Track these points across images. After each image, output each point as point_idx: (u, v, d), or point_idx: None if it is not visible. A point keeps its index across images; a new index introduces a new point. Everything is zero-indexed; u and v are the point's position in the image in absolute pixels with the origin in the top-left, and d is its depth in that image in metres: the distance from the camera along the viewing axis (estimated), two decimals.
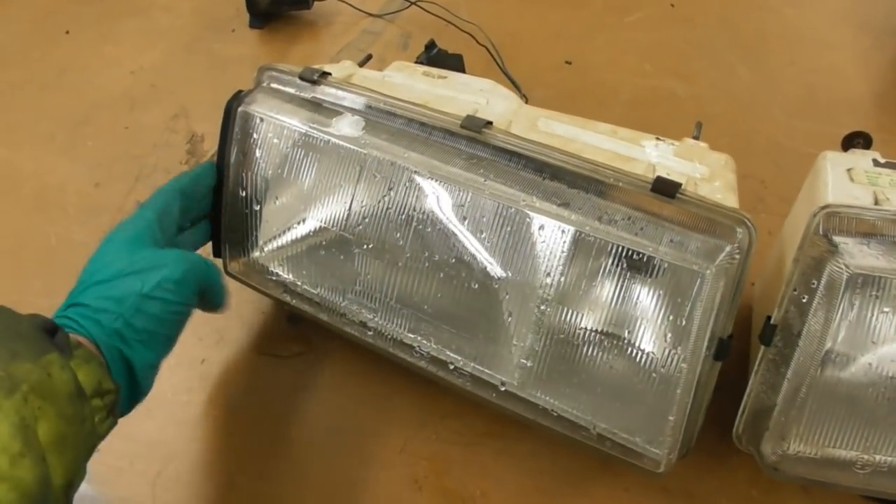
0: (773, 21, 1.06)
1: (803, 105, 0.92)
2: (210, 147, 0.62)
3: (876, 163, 0.57)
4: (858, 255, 0.47)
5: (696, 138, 0.62)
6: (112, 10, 1.09)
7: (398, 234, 0.56)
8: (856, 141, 0.66)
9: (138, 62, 0.99)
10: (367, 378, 0.63)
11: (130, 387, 0.48)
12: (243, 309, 0.68)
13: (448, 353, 0.57)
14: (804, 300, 0.48)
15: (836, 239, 0.48)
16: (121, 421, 0.59)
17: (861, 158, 0.58)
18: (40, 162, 0.85)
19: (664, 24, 1.04)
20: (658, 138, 0.61)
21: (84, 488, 0.55)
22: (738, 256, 0.47)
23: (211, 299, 0.55)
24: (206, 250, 0.63)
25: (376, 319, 0.58)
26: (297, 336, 0.67)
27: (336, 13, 1.07)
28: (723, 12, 1.07)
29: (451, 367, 0.57)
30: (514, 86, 0.90)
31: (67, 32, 1.06)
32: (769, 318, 0.50)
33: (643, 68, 0.97)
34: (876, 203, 0.52)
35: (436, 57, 0.79)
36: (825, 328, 0.48)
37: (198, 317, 0.68)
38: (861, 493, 0.54)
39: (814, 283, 0.48)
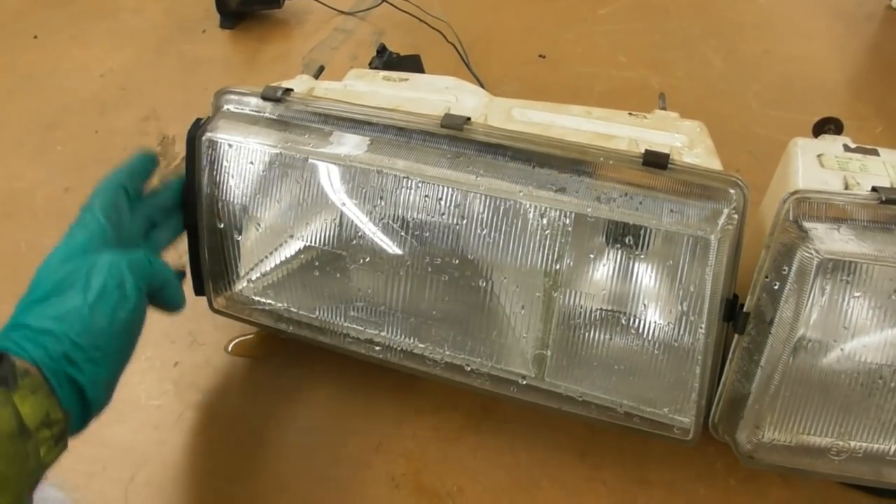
0: (748, 11, 1.06)
1: (778, 94, 0.92)
2: (182, 149, 0.61)
3: (847, 148, 0.57)
4: (829, 240, 0.47)
5: (663, 109, 0.63)
6: (81, 14, 1.08)
7: (395, 244, 0.55)
8: (827, 127, 0.66)
9: (108, 65, 0.98)
10: (342, 378, 0.62)
11: (82, 407, 0.45)
12: None
13: (463, 356, 0.56)
14: (776, 287, 0.48)
15: (807, 224, 0.48)
16: (93, 426, 0.58)
17: (832, 144, 0.58)
18: (9, 167, 0.84)
19: (638, 16, 1.04)
20: (631, 113, 0.61)
21: (56, 495, 0.54)
22: (736, 217, 0.48)
23: (166, 299, 0.52)
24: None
25: (383, 334, 0.58)
26: (271, 338, 0.66)
27: (307, 12, 1.06)
28: (697, 2, 1.07)
29: (468, 369, 0.56)
30: (479, 83, 0.90)
31: (36, 37, 1.04)
32: (740, 304, 0.50)
33: (617, 60, 0.97)
34: (846, 188, 0.52)
35: (391, 60, 0.78)
36: (797, 314, 0.47)
37: (170, 320, 0.67)
38: (838, 480, 0.54)
39: (785, 270, 0.48)
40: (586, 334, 0.54)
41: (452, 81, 0.67)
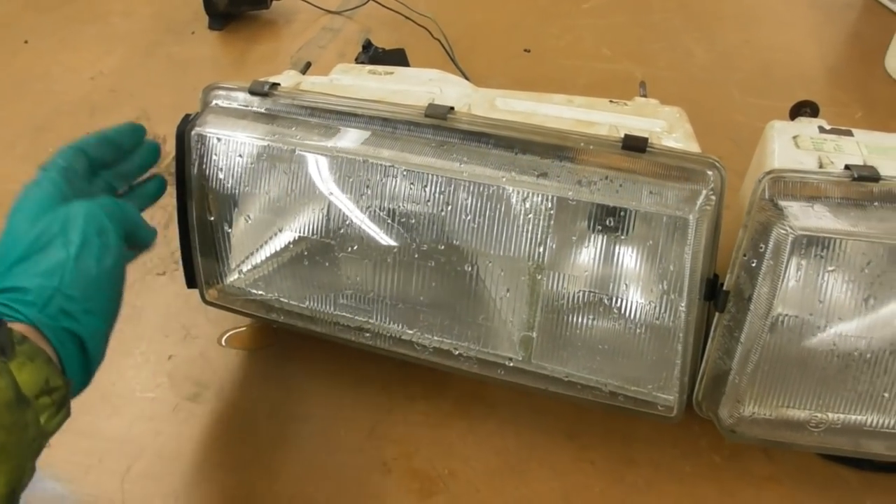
0: (729, 2, 1.08)
1: (759, 82, 0.93)
2: (172, 149, 0.62)
3: (822, 129, 0.59)
4: (803, 217, 0.48)
5: (643, 96, 0.64)
6: (71, 18, 1.09)
7: (382, 232, 0.56)
8: (803, 110, 0.68)
9: (98, 68, 0.99)
10: (334, 367, 0.64)
11: (84, 362, 0.45)
12: None
13: (450, 340, 0.58)
14: (753, 264, 0.49)
15: (782, 203, 0.49)
16: (88, 419, 0.60)
17: (807, 126, 0.59)
18: (1, 170, 0.85)
19: (621, 9, 1.06)
20: (611, 101, 0.62)
21: (53, 486, 0.55)
22: (713, 198, 0.49)
23: (139, 239, 0.52)
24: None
25: (372, 321, 0.59)
26: (264, 329, 0.67)
27: (295, 11, 1.07)
28: None
29: (457, 353, 0.58)
30: (465, 78, 0.91)
31: (26, 42, 1.05)
32: (721, 283, 0.51)
33: (601, 53, 0.98)
34: (821, 167, 0.53)
35: (376, 55, 0.79)
36: (774, 290, 0.49)
37: (165, 314, 0.68)
38: (818, 452, 0.56)
39: (762, 248, 0.49)
40: (571, 316, 0.55)
41: (436, 73, 0.68)
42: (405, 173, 0.54)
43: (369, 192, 0.56)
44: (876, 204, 0.50)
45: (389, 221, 0.56)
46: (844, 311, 0.49)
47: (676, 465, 0.57)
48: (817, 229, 0.48)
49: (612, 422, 0.59)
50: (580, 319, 0.55)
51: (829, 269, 0.48)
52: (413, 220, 0.56)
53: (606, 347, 0.55)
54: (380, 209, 0.56)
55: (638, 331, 0.54)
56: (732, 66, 0.95)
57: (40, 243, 0.45)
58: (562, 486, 0.56)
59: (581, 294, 0.55)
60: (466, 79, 0.90)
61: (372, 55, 0.79)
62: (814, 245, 0.48)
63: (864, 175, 0.49)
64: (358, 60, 0.81)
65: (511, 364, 0.56)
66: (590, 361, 0.55)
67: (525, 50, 0.98)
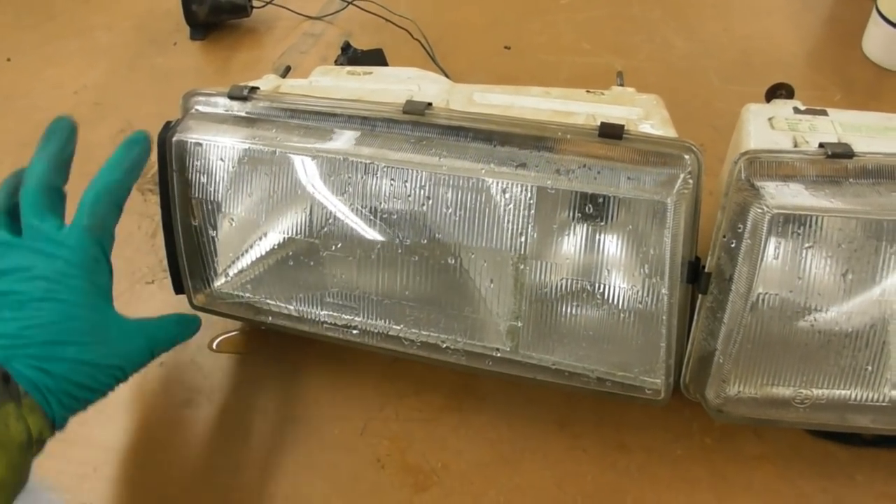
0: None
1: (738, 69, 0.94)
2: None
3: (797, 110, 0.59)
4: (779, 195, 0.49)
5: (620, 86, 0.65)
6: (53, 34, 1.09)
7: (365, 229, 0.57)
8: (779, 92, 0.68)
9: (81, 82, 0.99)
10: (325, 367, 0.64)
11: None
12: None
13: (437, 334, 0.58)
14: (733, 245, 0.50)
15: (758, 183, 0.50)
16: (82, 429, 0.60)
17: (782, 108, 0.60)
18: None
19: (599, 3, 1.06)
20: (588, 91, 0.63)
21: (48, 497, 0.55)
22: (691, 181, 0.50)
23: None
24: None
25: (359, 319, 0.59)
26: (255, 333, 0.67)
27: (276, 18, 1.07)
28: None
29: (444, 346, 0.58)
30: (446, 76, 0.91)
31: (9, 60, 1.05)
32: (702, 265, 0.51)
33: (581, 47, 0.98)
34: (796, 146, 0.54)
35: (355, 56, 0.80)
36: (753, 270, 0.49)
37: None
38: (805, 428, 0.56)
39: (740, 228, 0.50)
40: (556, 305, 0.55)
41: (415, 72, 0.69)
42: (385, 170, 0.55)
43: (351, 189, 0.56)
44: (851, 180, 0.50)
45: (372, 218, 0.57)
46: (823, 286, 0.50)
47: (668, 448, 0.57)
48: (793, 207, 0.48)
49: (603, 409, 0.59)
50: (565, 308, 0.56)
51: (807, 245, 0.49)
52: (395, 216, 0.56)
53: (592, 334, 0.55)
54: (362, 206, 0.57)
55: (622, 316, 0.54)
56: (712, 55, 0.96)
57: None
58: (554, 475, 0.56)
59: (565, 282, 0.55)
60: (447, 77, 0.91)
61: (350, 56, 0.80)
62: (790, 223, 0.48)
63: (838, 152, 0.50)
64: (337, 62, 0.81)
65: (499, 355, 0.57)
66: (577, 349, 0.56)
67: (505, 47, 0.99)
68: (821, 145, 0.51)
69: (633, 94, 0.64)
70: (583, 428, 0.59)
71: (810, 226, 0.49)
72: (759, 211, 0.48)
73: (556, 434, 0.59)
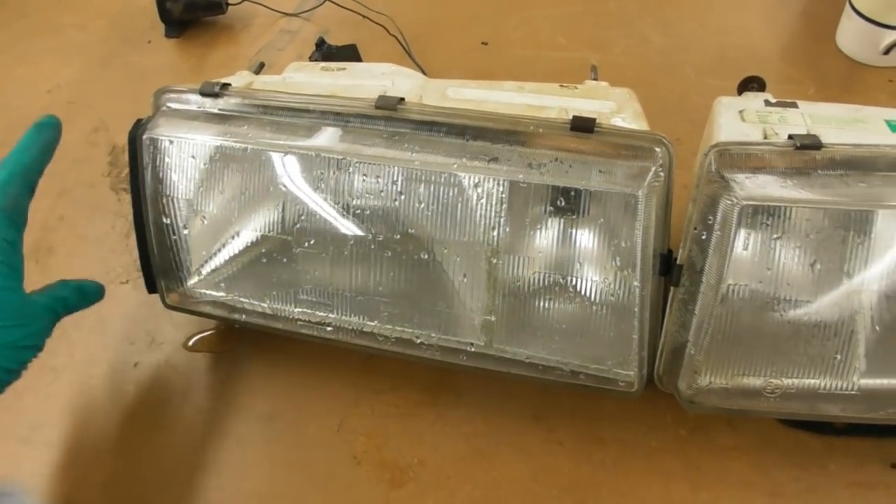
0: None
1: (714, 64, 0.94)
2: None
3: (767, 103, 0.60)
4: (749, 187, 0.49)
5: (594, 80, 0.65)
6: (25, 33, 1.08)
7: (338, 224, 0.56)
8: (750, 85, 0.69)
9: (54, 81, 0.98)
10: (299, 365, 0.64)
11: None
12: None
13: (412, 329, 0.58)
14: (703, 237, 0.50)
15: (728, 175, 0.50)
16: (56, 431, 0.60)
17: (753, 100, 0.60)
18: None
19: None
20: (562, 85, 0.63)
21: (21, 499, 0.55)
22: (662, 174, 0.50)
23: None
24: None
25: (332, 315, 0.59)
26: (229, 331, 0.67)
27: (252, 15, 1.07)
28: None
29: (418, 341, 0.58)
30: (423, 72, 0.91)
31: None
32: (674, 258, 0.52)
33: (557, 42, 0.99)
34: (766, 138, 0.54)
35: (329, 52, 0.79)
36: (724, 261, 0.49)
37: (129, 322, 0.68)
38: (777, 417, 0.57)
39: (710, 220, 0.50)
40: (530, 298, 0.56)
41: (388, 67, 0.69)
42: (358, 166, 0.55)
43: (323, 186, 0.56)
44: (819, 171, 0.51)
45: (345, 214, 0.56)
46: (792, 277, 0.50)
47: (643, 440, 0.57)
48: (762, 198, 0.49)
49: (579, 402, 0.60)
50: (539, 301, 0.56)
51: (775, 236, 0.49)
52: (368, 212, 0.56)
53: (566, 327, 0.55)
54: (335, 203, 0.56)
55: (595, 309, 0.54)
56: (688, 50, 0.96)
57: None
58: (530, 468, 0.56)
59: (538, 276, 0.55)
60: (423, 73, 0.91)
61: (325, 52, 0.80)
62: (759, 214, 0.49)
63: (807, 143, 0.50)
64: (312, 58, 0.81)
65: (473, 349, 0.57)
66: (550, 342, 0.56)
67: (483, 43, 0.99)
68: (790, 137, 0.51)
69: (607, 88, 0.64)
70: (559, 421, 0.59)
71: (779, 217, 0.49)
72: (729, 202, 0.49)
73: (533, 428, 0.59)
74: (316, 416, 0.60)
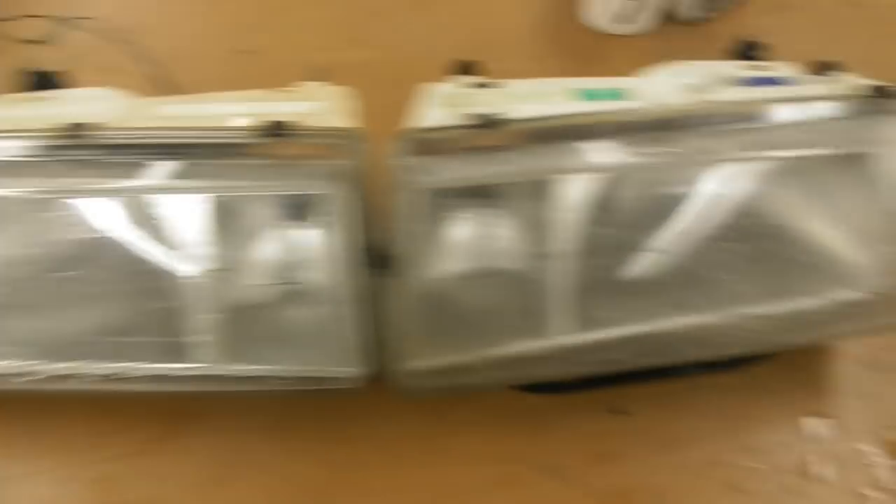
0: None
1: (472, 49, 0.96)
2: None
3: (473, 85, 0.61)
4: (434, 171, 0.50)
5: (316, 81, 0.65)
6: None
7: (39, 268, 0.53)
8: (461, 70, 0.70)
9: None
10: (17, 420, 0.59)
11: None
12: None
13: (124, 364, 0.54)
14: (404, 225, 0.50)
15: (415, 161, 0.50)
16: None
17: (452, 85, 0.61)
18: None
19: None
20: (284, 89, 0.62)
21: None
22: (358, 170, 0.49)
23: None
24: None
25: (43, 364, 0.55)
26: None
27: None
28: None
29: (132, 376, 0.55)
30: (176, 91, 0.88)
31: None
32: (384, 250, 0.51)
33: (317, 43, 0.98)
34: (457, 121, 0.55)
35: (41, 80, 0.74)
36: (418, 246, 0.50)
37: None
38: (508, 385, 0.58)
39: (407, 208, 0.50)
40: (253, 312, 0.55)
41: (101, 91, 0.65)
42: (52, 202, 0.51)
43: (24, 228, 0.52)
44: (505, 147, 0.52)
45: (43, 254, 0.53)
46: (492, 251, 0.52)
47: (380, 433, 0.57)
48: (444, 181, 0.49)
49: (323, 405, 0.59)
50: (263, 312, 0.55)
51: (466, 215, 0.50)
52: (71, 247, 0.53)
53: (291, 335, 0.55)
54: (40, 246, 0.53)
55: (317, 311, 0.54)
56: (447, 36, 0.98)
57: None
58: (269, 482, 0.55)
59: (259, 287, 0.54)
60: (180, 93, 0.87)
61: (37, 81, 0.74)
62: (441, 196, 0.49)
63: (489, 122, 0.51)
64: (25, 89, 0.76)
65: (199, 373, 0.54)
66: (277, 352, 0.55)
67: (240, 51, 0.96)
68: (478, 117, 0.52)
69: (322, 88, 0.63)
70: (302, 429, 0.58)
71: (467, 196, 0.50)
72: (417, 188, 0.49)
73: (274, 441, 0.57)
74: (40, 474, 0.56)
